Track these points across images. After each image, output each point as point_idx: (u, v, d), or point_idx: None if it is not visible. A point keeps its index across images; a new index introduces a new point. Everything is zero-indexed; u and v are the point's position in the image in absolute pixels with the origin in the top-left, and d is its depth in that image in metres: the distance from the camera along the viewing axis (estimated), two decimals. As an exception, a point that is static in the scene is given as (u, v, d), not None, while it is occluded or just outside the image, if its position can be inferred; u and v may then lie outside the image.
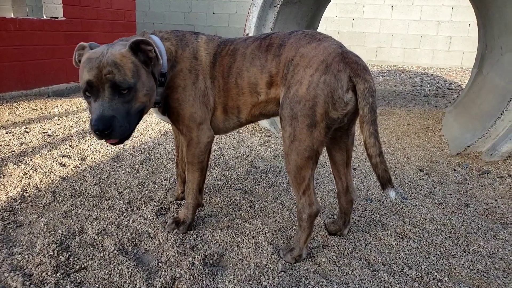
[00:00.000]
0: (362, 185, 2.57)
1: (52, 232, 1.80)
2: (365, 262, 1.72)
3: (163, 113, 1.83)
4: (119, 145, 1.52)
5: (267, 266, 1.64)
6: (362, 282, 1.58)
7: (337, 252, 1.79)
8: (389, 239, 1.91)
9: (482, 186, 2.65)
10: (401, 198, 2.41)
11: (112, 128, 1.46)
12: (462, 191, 2.55)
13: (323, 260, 1.72)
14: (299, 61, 1.58)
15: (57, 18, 5.17)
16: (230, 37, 1.88)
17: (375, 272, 1.65)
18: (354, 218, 2.11)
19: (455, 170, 2.95)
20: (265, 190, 2.41)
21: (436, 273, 1.66)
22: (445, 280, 1.61)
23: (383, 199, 2.36)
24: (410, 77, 8.46)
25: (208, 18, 11.10)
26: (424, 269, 1.69)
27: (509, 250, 1.86)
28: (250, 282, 1.53)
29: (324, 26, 10.32)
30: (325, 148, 1.69)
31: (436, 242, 1.91)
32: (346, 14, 10.16)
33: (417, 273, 1.65)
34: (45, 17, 5.20)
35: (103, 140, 1.55)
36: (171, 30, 1.84)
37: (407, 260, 1.75)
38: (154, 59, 1.60)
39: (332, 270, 1.66)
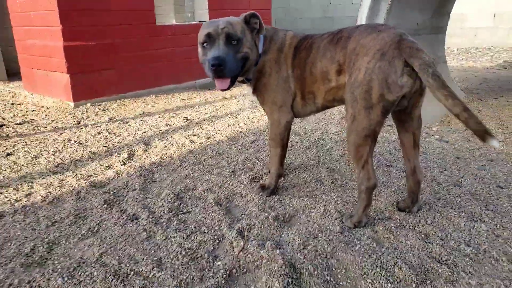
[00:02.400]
0: (457, 173, 2.54)
1: (173, 187, 2.41)
2: (422, 235, 1.84)
3: (253, 94, 2.24)
4: (227, 90, 1.96)
5: (328, 227, 1.92)
6: (411, 249, 1.73)
7: (398, 224, 1.94)
8: (460, 220, 1.95)
9: None
10: (496, 186, 2.33)
11: (224, 65, 1.88)
12: None
13: (381, 229, 1.90)
14: (359, 50, 1.79)
15: (204, 21, 6.10)
16: (312, 34, 2.17)
17: (428, 244, 1.76)
18: (432, 200, 2.18)
19: None
20: (352, 171, 2.63)
21: (494, 253, 1.68)
22: (502, 260, 1.64)
23: (473, 187, 2.33)
24: None
25: (347, 8, 11.14)
26: (484, 248, 1.72)
27: None
28: (307, 236, 1.85)
29: (477, 7, 9.27)
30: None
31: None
32: (505, -8, 8.93)
33: (473, 250, 1.70)
34: (196, 21, 6.19)
35: (216, 85, 1.96)
36: (274, 27, 2.24)
37: (469, 239, 1.80)
38: (257, 31, 2.04)
39: (386, 237, 1.84)
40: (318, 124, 3.71)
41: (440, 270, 1.59)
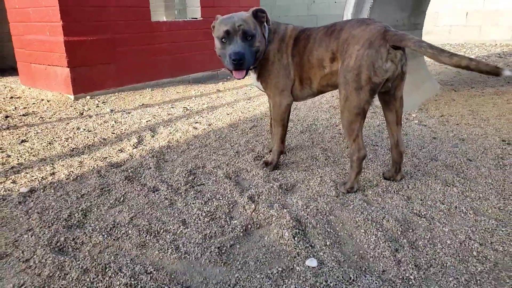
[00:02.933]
0: (434, 150, 2.89)
1: (185, 165, 2.68)
2: (405, 197, 2.18)
3: (257, 80, 2.53)
4: (243, 78, 2.27)
5: (325, 193, 2.24)
6: (396, 208, 2.06)
7: (384, 189, 2.27)
8: (435, 186, 2.30)
9: None
10: (466, 159, 2.69)
11: (243, 59, 2.17)
12: (540, 159, 2.68)
13: (370, 193, 2.23)
14: (350, 40, 2.11)
15: (196, 18, 6.35)
16: (308, 27, 2.47)
17: (409, 203, 2.10)
18: (412, 171, 2.52)
19: (545, 142, 3.01)
20: (343, 150, 2.95)
21: (463, 207, 2.03)
22: (469, 213, 1.98)
23: (447, 160, 2.68)
24: (552, 56, 7.61)
25: (330, 7, 11.52)
26: (455, 205, 2.07)
27: (551, 201, 2.08)
28: (308, 199, 2.16)
29: (451, 6, 9.79)
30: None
31: (479, 190, 2.23)
32: (477, -9, 9.46)
33: (446, 206, 2.05)
34: (188, 18, 6.43)
35: (234, 75, 2.24)
36: (275, 21, 2.52)
37: (443, 199, 2.14)
38: (264, 24, 2.32)
39: (375, 199, 2.17)
40: (309, 112, 4.03)
41: (420, 222, 1.92)
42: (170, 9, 9.13)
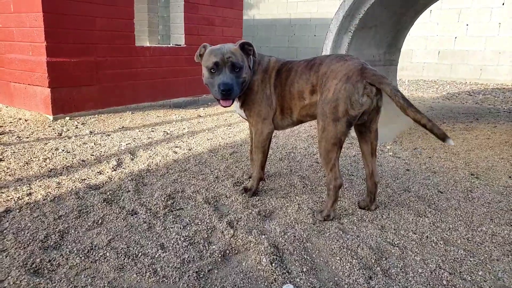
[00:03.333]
0: (407, 182, 3.01)
1: (164, 189, 2.69)
2: (379, 226, 2.25)
3: (240, 108, 2.60)
4: (228, 107, 2.36)
5: (302, 220, 2.29)
6: (370, 236, 2.12)
7: (360, 218, 2.34)
8: (408, 216, 2.39)
9: (529, 190, 2.87)
10: (437, 191, 2.80)
11: (231, 90, 2.27)
12: (505, 193, 2.82)
13: (346, 221, 2.30)
14: (329, 74, 2.22)
15: (180, 45, 6.47)
16: (290, 59, 2.59)
17: (384, 232, 2.17)
18: (386, 201, 2.61)
19: (510, 177, 3.17)
20: (321, 178, 3.03)
21: (434, 238, 2.11)
22: (440, 243, 2.07)
23: (419, 192, 2.79)
24: (517, 96, 8.06)
25: (310, 40, 11.94)
26: (426, 235, 2.15)
27: (515, 233, 2.19)
28: (286, 226, 2.20)
29: (424, 45, 10.33)
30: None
31: (449, 221, 2.32)
32: (447, 33, 10.02)
33: (418, 236, 2.13)
34: (171, 44, 6.54)
35: (221, 104, 2.34)
36: (259, 53, 2.63)
37: (415, 229, 2.22)
38: (250, 57, 2.43)
39: (350, 228, 2.23)
40: (288, 140, 4.12)
41: (393, 250, 1.99)
42: (154, 35, 9.26)
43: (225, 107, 2.35)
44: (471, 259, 1.91)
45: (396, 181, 3.02)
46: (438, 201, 2.63)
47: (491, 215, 2.41)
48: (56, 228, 2.10)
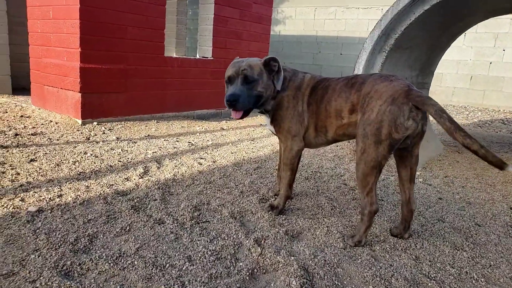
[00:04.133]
0: (441, 211, 2.88)
1: (190, 200, 2.65)
2: (413, 256, 2.14)
3: (271, 123, 2.56)
4: (240, 119, 2.37)
5: (332, 244, 2.20)
6: (404, 266, 2.02)
7: (392, 246, 2.24)
8: (444, 248, 2.27)
9: None
10: (474, 224, 2.67)
11: (237, 101, 2.27)
12: (546, 230, 2.67)
13: (378, 248, 2.20)
14: (373, 94, 2.15)
15: (207, 57, 6.52)
16: (328, 77, 2.54)
17: (418, 263, 2.06)
18: (420, 230, 2.50)
19: (550, 213, 3.01)
20: (349, 201, 2.94)
21: (474, 274, 1.99)
22: (481, 280, 1.94)
23: (455, 223, 2.67)
24: (552, 126, 7.79)
25: (335, 58, 11.91)
26: (465, 270, 2.03)
27: (560, 274, 2.05)
28: (315, 249, 2.12)
29: (456, 69, 10.14)
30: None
31: (489, 257, 2.20)
32: (482, 58, 9.81)
33: (456, 271, 2.01)
34: (198, 56, 6.60)
35: (232, 115, 2.35)
36: (293, 68, 2.59)
37: (453, 263, 2.11)
38: (275, 72, 2.41)
39: (382, 256, 2.13)
40: (313, 159, 4.05)
41: (429, 284, 1.88)
42: (181, 46, 9.39)
43: (236, 119, 2.35)
44: (515, 300, 1.79)
45: (428, 209, 2.90)
46: (476, 234, 2.50)
47: (534, 253, 2.27)
48: (85, 231, 2.08)
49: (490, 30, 9.60)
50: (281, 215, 2.54)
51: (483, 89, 9.87)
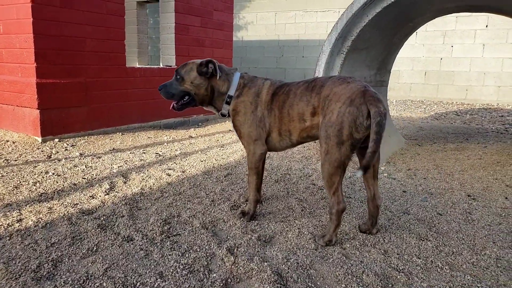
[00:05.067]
0: (405, 203, 2.99)
1: (160, 214, 2.61)
2: (382, 251, 2.20)
3: (233, 128, 2.59)
4: (176, 110, 2.64)
5: (304, 245, 2.23)
6: (374, 262, 2.07)
7: (362, 243, 2.30)
8: (410, 240, 2.35)
9: (526, 211, 2.87)
10: (436, 213, 2.78)
11: (162, 89, 2.59)
12: (503, 214, 2.81)
13: (348, 246, 2.25)
14: (332, 97, 2.20)
15: (171, 66, 6.46)
16: (288, 82, 2.58)
17: (387, 257, 2.13)
18: (387, 224, 2.58)
19: (506, 198, 3.17)
20: (318, 201, 2.99)
21: (439, 263, 2.07)
22: (445, 268, 2.03)
23: (419, 214, 2.77)
24: (502, 116, 8.23)
25: (298, 61, 12.09)
26: (431, 260, 2.11)
27: (518, 256, 2.17)
28: (288, 252, 2.14)
29: (411, 66, 10.55)
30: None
31: (452, 245, 2.29)
32: (433, 54, 10.27)
33: (423, 261, 2.09)
34: (161, 65, 6.53)
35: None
36: (253, 76, 2.62)
37: (419, 253, 2.18)
38: (211, 73, 2.52)
39: (353, 253, 2.18)
40: (282, 161, 4.09)
41: (398, 277, 1.94)
42: (143, 55, 9.25)
43: (175, 110, 2.63)
44: (478, 285, 1.88)
45: (394, 203, 2.99)
46: (439, 223, 2.60)
47: (493, 238, 2.39)
48: (49, 256, 2.00)
49: (438, 28, 10.08)
50: (253, 221, 2.55)
51: (436, 84, 10.32)
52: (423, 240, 2.35)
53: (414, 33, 10.27)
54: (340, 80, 2.26)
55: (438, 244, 2.30)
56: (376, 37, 4.53)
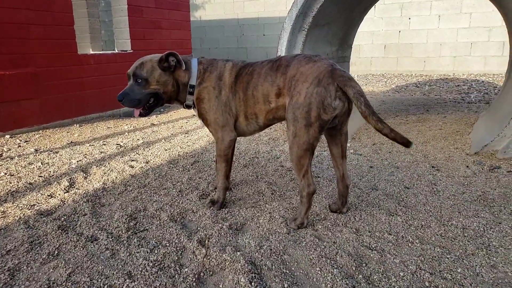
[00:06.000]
0: (373, 179, 3.01)
1: (124, 209, 2.50)
2: (354, 230, 2.21)
3: (199, 117, 2.48)
4: (143, 117, 2.47)
5: (276, 230, 2.20)
6: (347, 242, 2.07)
7: (333, 223, 2.29)
8: (380, 216, 2.37)
9: (487, 179, 2.97)
10: (403, 187, 2.83)
11: (123, 100, 2.34)
12: (466, 183, 2.89)
13: (320, 227, 2.23)
14: (299, 77, 2.13)
15: (126, 51, 6.17)
16: (251, 61, 2.48)
17: (359, 236, 2.13)
18: (356, 202, 2.59)
19: (467, 166, 3.27)
20: (287, 183, 2.96)
21: (409, 237, 2.10)
22: (416, 242, 2.05)
23: (387, 189, 2.80)
24: (458, 85, 8.51)
25: (259, 40, 11.94)
26: (401, 235, 2.13)
27: (483, 224, 2.23)
28: (260, 239, 2.10)
29: (371, 40, 10.67)
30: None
31: (420, 218, 2.33)
32: (392, 27, 10.41)
33: (393, 237, 2.11)
34: (116, 50, 6.22)
35: (133, 114, 2.46)
36: (211, 59, 2.50)
37: (389, 229, 2.20)
38: (174, 67, 2.37)
39: (325, 234, 2.17)
40: (249, 145, 4.02)
41: (371, 255, 1.95)
42: (96, 41, 8.80)
43: (136, 117, 2.43)
44: (448, 256, 1.91)
45: (362, 179, 3.01)
46: (406, 197, 2.64)
47: (458, 208, 2.45)
48: (5, 265, 1.86)
49: (395, 0, 10.18)
50: (223, 209, 2.49)
51: (396, 57, 10.51)
52: (393, 216, 2.37)
53: (373, 7, 10.35)
54: (306, 59, 2.19)
55: (407, 218, 2.33)
56: (336, 13, 4.49)
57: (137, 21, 6.23)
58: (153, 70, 2.35)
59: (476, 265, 1.84)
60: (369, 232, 2.18)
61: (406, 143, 2.00)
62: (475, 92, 7.56)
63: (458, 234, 2.13)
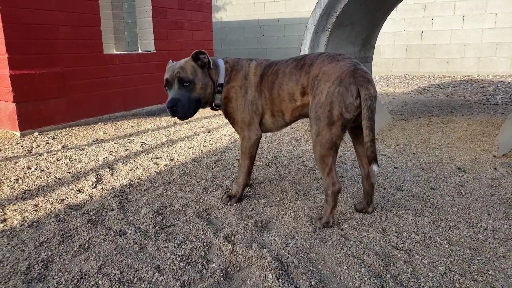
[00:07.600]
0: (398, 180, 2.98)
1: (151, 205, 2.54)
2: (380, 230, 2.19)
3: (225, 117, 2.51)
4: (184, 120, 2.38)
5: (302, 229, 2.20)
6: (373, 241, 2.05)
7: (359, 222, 2.28)
8: (407, 216, 2.34)
9: (516, 181, 2.90)
10: (429, 188, 2.78)
11: (177, 106, 2.22)
12: (494, 185, 2.83)
13: (346, 227, 2.22)
14: (321, 76, 2.14)
15: (150, 51, 6.26)
16: (275, 60, 2.50)
17: (386, 236, 2.11)
18: (382, 202, 2.56)
19: (495, 169, 3.20)
20: (311, 182, 2.95)
21: (437, 238, 2.07)
22: (444, 243, 2.02)
23: (412, 190, 2.76)
24: (483, 86, 8.32)
25: (279, 40, 11.94)
26: (429, 236, 2.10)
27: (513, 226, 2.18)
28: (286, 237, 2.10)
29: (393, 41, 10.53)
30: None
31: (448, 219, 2.29)
32: (414, 28, 10.26)
33: (421, 237, 2.08)
34: (140, 51, 6.33)
35: (175, 118, 2.36)
36: (236, 58, 2.53)
37: (416, 230, 2.18)
38: (208, 64, 2.34)
39: (351, 233, 2.16)
40: (271, 144, 4.03)
41: (399, 255, 1.93)
42: (120, 41, 8.96)
43: (181, 119, 2.35)
44: (478, 258, 1.88)
45: (387, 180, 2.98)
46: (433, 198, 2.60)
47: (488, 210, 2.40)
48: (38, 257, 1.92)
49: (418, 1, 10.03)
50: (248, 207, 2.50)
51: (418, 57, 10.34)
52: (420, 216, 2.34)
53: (395, 8, 10.23)
54: (329, 58, 2.19)
55: (434, 219, 2.30)
56: (360, 13, 4.45)
57: (161, 22, 6.32)
58: (195, 70, 2.32)
59: (508, 268, 1.80)
60: (396, 232, 2.16)
61: (370, 160, 2.05)
62: (501, 94, 7.37)
63: (488, 236, 2.09)
